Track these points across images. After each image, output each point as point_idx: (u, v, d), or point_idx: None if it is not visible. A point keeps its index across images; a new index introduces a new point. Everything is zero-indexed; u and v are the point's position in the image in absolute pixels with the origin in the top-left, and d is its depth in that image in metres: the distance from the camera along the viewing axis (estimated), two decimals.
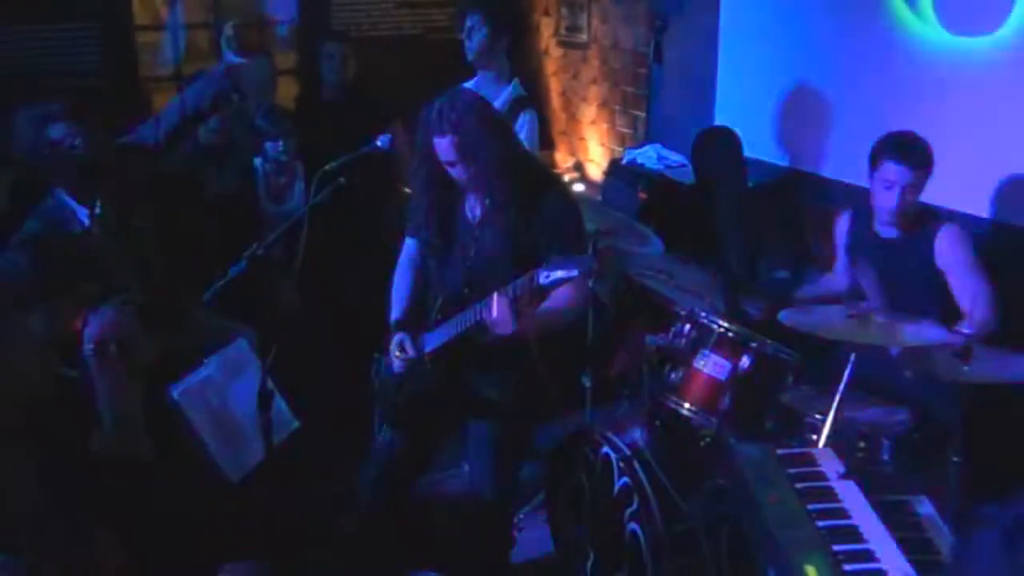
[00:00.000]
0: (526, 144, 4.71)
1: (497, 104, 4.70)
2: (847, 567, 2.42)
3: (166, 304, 3.84)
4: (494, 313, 3.11)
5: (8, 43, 5.92)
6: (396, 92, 5.28)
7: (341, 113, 5.39)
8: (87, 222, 3.79)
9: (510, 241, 3.29)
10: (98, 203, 3.78)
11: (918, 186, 3.68)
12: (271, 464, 3.40)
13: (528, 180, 3.30)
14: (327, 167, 3.46)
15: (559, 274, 2.97)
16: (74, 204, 3.81)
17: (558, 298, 3.25)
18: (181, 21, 6.59)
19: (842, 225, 4.06)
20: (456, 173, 3.26)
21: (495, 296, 3.11)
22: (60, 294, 3.01)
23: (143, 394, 3.14)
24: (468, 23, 4.56)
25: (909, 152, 3.66)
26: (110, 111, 4.68)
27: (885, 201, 3.71)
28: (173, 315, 3.84)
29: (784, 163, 5.16)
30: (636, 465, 3.47)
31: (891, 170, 3.66)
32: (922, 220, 3.77)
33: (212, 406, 3.54)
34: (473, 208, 3.41)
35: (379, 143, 3.53)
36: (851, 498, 2.72)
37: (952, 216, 3.89)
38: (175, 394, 3.46)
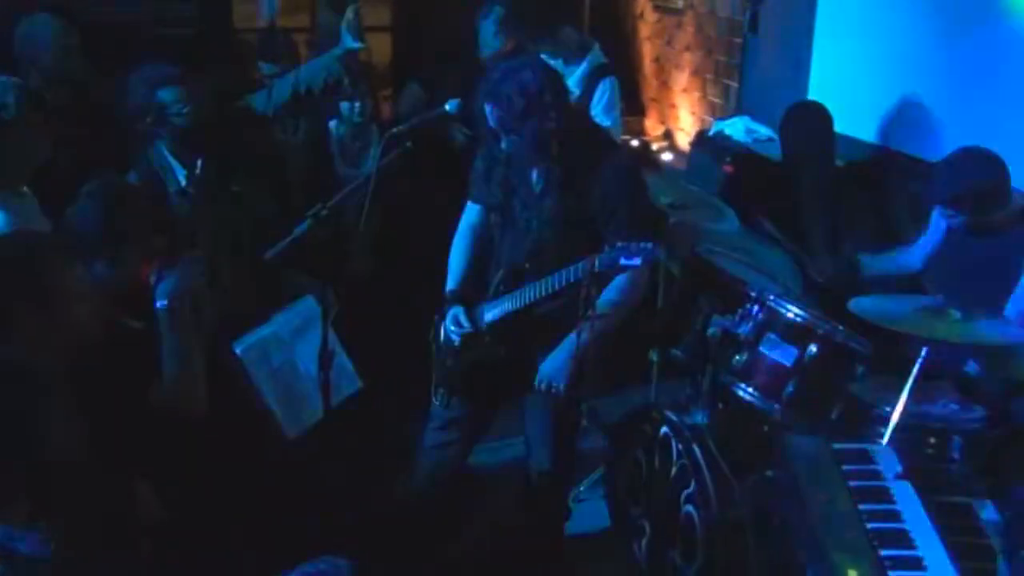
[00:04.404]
0: (605, 112, 4.67)
1: (577, 74, 4.64)
2: (892, 574, 2.34)
3: (242, 263, 3.88)
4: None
5: None
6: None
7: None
8: (184, 181, 3.86)
9: (566, 218, 3.23)
10: (199, 165, 3.84)
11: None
12: (330, 423, 3.43)
13: (586, 155, 3.23)
14: (394, 130, 3.42)
15: (620, 262, 2.93)
16: (174, 162, 3.88)
17: (614, 290, 3.22)
18: None
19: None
20: (505, 144, 3.23)
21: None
22: (129, 245, 3.01)
23: (206, 350, 3.15)
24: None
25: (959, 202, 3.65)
26: (202, 62, 4.72)
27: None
28: (243, 273, 3.88)
29: (876, 141, 4.98)
30: (695, 447, 3.40)
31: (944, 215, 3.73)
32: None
33: (274, 363, 3.56)
34: (537, 178, 3.33)
35: (447, 107, 3.47)
36: (906, 500, 2.63)
37: None
38: (238, 350, 3.49)
